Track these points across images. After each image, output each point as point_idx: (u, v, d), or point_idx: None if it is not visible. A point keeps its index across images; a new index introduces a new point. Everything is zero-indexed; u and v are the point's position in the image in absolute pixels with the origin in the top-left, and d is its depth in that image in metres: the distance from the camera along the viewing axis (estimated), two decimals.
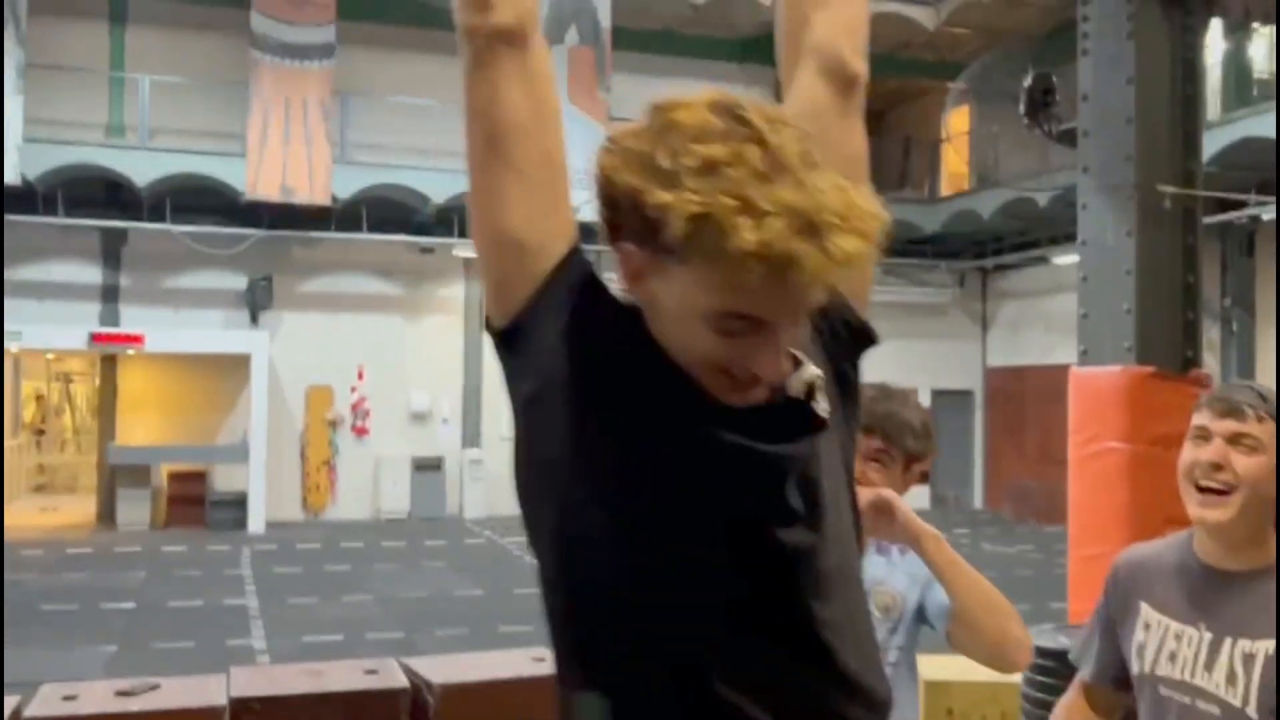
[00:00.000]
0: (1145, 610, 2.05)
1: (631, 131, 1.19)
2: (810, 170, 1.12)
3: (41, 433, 22.59)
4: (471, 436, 18.33)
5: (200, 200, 16.26)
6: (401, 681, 4.18)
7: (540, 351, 1.22)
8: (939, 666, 4.76)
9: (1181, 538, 2.08)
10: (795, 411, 1.22)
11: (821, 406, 1.24)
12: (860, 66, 1.45)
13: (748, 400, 1.19)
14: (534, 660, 4.02)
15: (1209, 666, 1.92)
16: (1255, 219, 14.54)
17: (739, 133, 1.13)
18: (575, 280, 1.24)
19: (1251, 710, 1.85)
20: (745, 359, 1.16)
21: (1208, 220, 13.04)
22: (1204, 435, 1.95)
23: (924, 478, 2.42)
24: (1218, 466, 1.91)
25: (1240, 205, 13.05)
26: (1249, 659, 1.87)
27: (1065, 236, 16.20)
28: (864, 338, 1.37)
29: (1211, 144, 13.78)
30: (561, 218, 1.26)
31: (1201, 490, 1.92)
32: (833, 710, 1.21)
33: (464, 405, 18.39)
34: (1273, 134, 12.86)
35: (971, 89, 19.76)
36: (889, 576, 2.26)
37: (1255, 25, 12.72)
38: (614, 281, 1.29)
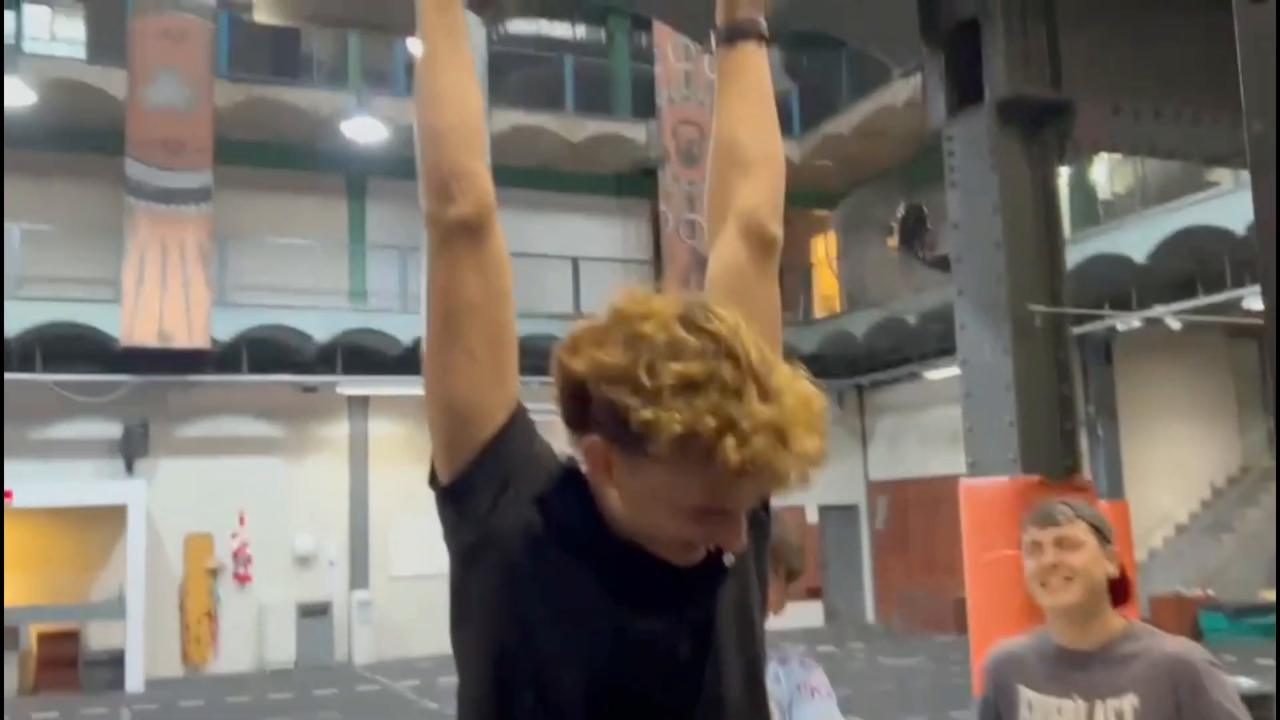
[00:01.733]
0: (1024, 692, 2.50)
1: (594, 334, 1.29)
2: (771, 373, 1.24)
3: None
4: (359, 578, 17.90)
5: (73, 348, 15.83)
6: None
7: (479, 508, 1.34)
8: None
9: (1037, 632, 2.57)
10: (707, 566, 1.35)
11: (728, 557, 1.36)
12: (777, 230, 1.60)
13: (692, 560, 1.32)
14: None
15: None
16: (1111, 330, 15.38)
17: (710, 349, 1.23)
18: (515, 447, 1.37)
19: None
20: (712, 537, 1.30)
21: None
22: (1038, 546, 2.47)
23: (805, 591, 2.78)
24: (1055, 567, 2.43)
25: (1096, 318, 13.80)
26: (1120, 714, 2.36)
27: (935, 352, 16.88)
28: None
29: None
30: (505, 389, 1.39)
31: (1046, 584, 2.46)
32: None
33: (350, 546, 17.99)
34: (1117, 250, 13.72)
35: (836, 218, 20.64)
36: (774, 688, 2.45)
37: (1100, 153, 13.68)
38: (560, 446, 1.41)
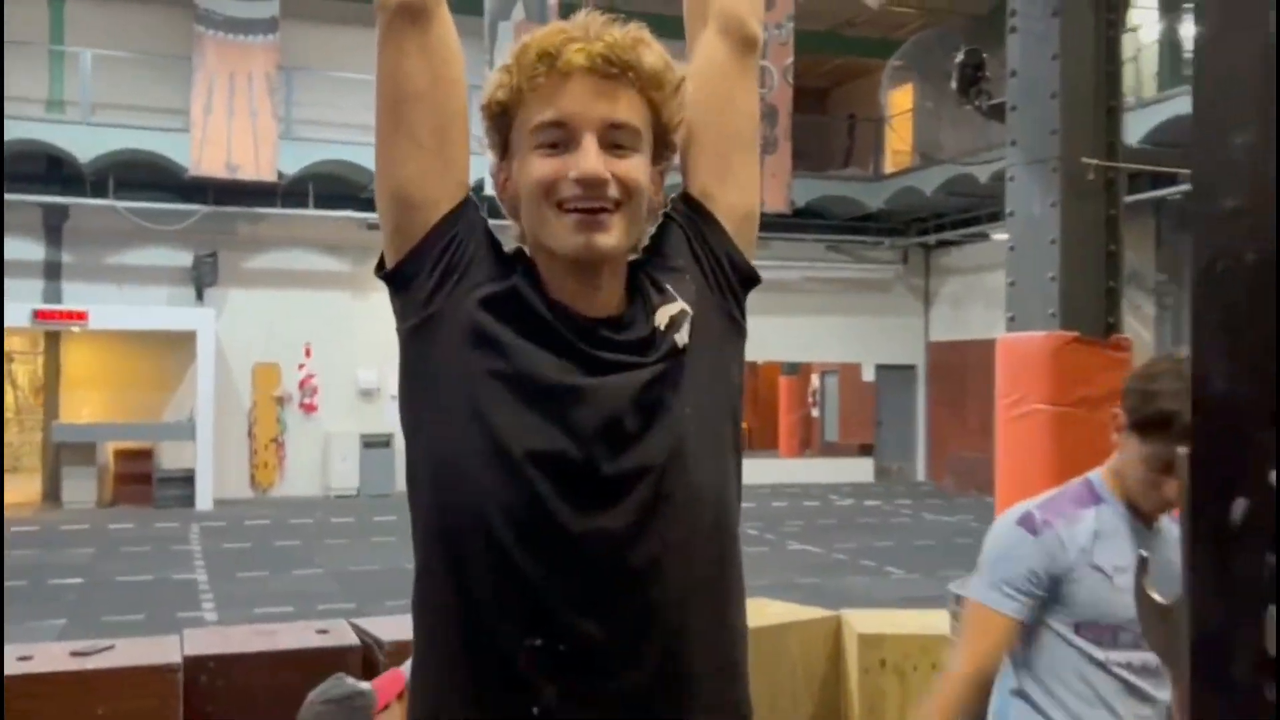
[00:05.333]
0: None
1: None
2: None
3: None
4: None
5: (144, 176, 16.10)
6: (352, 640, 4.30)
7: (423, 292, 1.38)
8: (871, 620, 4.95)
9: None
10: (659, 340, 1.39)
11: (679, 337, 1.39)
12: (757, 29, 1.59)
13: (595, 244, 1.34)
14: None
15: None
16: (1188, 195, 14.89)
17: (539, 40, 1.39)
18: (462, 235, 1.40)
19: None
20: (568, 165, 1.35)
21: (1142, 196, 13.31)
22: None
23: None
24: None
25: (1173, 181, 13.38)
26: None
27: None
28: (749, 279, 1.53)
29: (1148, 121, 14.11)
30: (453, 178, 1.42)
31: None
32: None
33: None
34: None
35: (913, 66, 19.98)
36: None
37: (1188, 5, 13.04)
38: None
